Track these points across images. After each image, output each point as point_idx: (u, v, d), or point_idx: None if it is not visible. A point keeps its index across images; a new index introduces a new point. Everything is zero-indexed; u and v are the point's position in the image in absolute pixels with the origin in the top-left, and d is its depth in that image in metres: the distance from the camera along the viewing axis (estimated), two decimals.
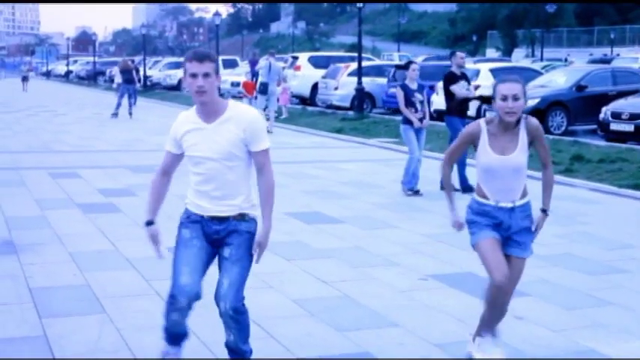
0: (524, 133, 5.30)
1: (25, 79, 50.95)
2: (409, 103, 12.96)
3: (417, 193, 12.64)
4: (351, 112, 28.94)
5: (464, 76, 13.24)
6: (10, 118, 28.58)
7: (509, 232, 5.32)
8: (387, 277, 7.84)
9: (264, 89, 24.09)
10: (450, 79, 13.15)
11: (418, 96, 13.00)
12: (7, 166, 15.52)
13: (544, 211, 5.48)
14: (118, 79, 32.99)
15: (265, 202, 5.02)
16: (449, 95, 13.18)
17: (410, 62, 13.87)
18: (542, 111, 22.37)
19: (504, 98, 5.17)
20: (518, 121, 5.28)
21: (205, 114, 4.85)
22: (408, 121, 12.97)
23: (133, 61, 34.72)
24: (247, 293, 5.15)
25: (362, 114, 27.92)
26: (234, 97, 30.12)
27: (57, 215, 10.66)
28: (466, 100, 13.24)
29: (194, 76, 4.72)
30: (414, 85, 13.07)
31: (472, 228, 5.37)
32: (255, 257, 4.98)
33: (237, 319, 4.94)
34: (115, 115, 28.97)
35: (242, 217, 4.95)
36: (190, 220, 4.99)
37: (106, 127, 25.10)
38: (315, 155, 18.21)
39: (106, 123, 26.92)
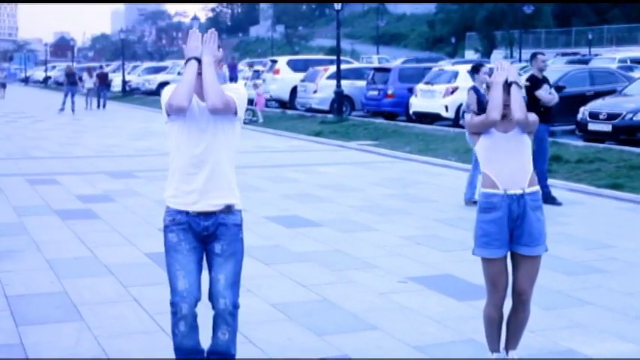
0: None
1: (2, 85, 50.57)
2: (481, 109, 12.00)
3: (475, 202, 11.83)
4: (330, 116, 28.94)
5: (545, 80, 12.16)
6: None
7: (519, 224, 5.12)
8: (367, 279, 7.83)
9: None
10: (534, 83, 11.80)
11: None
12: None
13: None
14: (89, 83, 38.73)
15: None
16: (532, 101, 11.57)
17: (480, 64, 12.52)
18: None
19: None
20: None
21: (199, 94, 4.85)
22: None
23: (101, 67, 43.19)
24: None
25: (341, 117, 27.91)
26: None
27: (34, 222, 10.58)
28: (549, 107, 12.13)
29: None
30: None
31: (478, 234, 5.19)
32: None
33: (235, 315, 4.91)
34: (62, 109, 35.05)
35: (229, 209, 4.89)
36: (175, 221, 4.87)
37: (85, 133, 24.97)
38: (294, 159, 18.18)
39: (85, 129, 26.79)
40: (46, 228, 10.24)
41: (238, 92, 4.90)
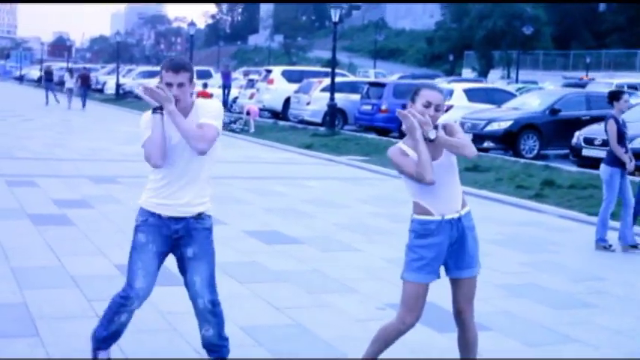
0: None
1: None
2: (621, 140, 10.53)
3: (608, 247, 10.47)
4: (322, 128, 28.62)
5: (625, 126, 10.76)
6: None
7: (457, 247, 5.01)
8: (343, 304, 7.46)
9: None
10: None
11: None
12: None
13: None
14: (69, 84, 41.55)
15: None
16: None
17: (620, 92, 10.95)
18: (515, 134, 22.17)
19: (428, 105, 4.89)
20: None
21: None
22: (616, 162, 10.44)
23: (85, 68, 49.82)
24: (191, 319, 5.33)
25: (333, 130, 27.60)
26: None
27: (5, 226, 10.20)
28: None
29: (169, 85, 4.89)
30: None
31: (411, 258, 5.04)
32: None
33: (215, 311, 5.16)
34: (47, 103, 41.16)
35: (199, 216, 5.11)
36: (147, 223, 5.07)
37: (72, 135, 24.61)
38: (281, 171, 17.82)
39: (73, 130, 26.43)
40: (15, 233, 9.85)
41: (215, 113, 5.04)
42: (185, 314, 5.59)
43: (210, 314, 5.16)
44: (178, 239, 5.08)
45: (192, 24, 46.05)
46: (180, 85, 4.90)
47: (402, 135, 5.09)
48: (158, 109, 4.89)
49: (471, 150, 4.90)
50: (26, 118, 30.80)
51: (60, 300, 7.15)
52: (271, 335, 6.45)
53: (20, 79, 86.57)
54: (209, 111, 5.01)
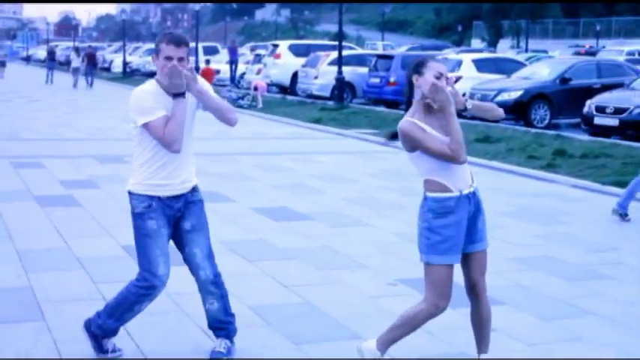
0: None
1: (2, 64, 49.98)
2: None
3: (624, 216, 10.22)
4: (330, 102, 28.42)
5: None
6: None
7: (473, 222, 4.89)
8: (354, 280, 7.33)
9: None
10: None
11: None
12: None
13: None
14: (76, 63, 41.02)
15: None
16: None
17: None
18: (525, 103, 21.93)
19: (439, 76, 4.74)
20: None
21: (167, 93, 4.90)
22: None
23: (90, 47, 50.95)
24: (197, 298, 5.36)
25: (342, 104, 27.40)
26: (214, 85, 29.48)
27: (11, 208, 10.10)
28: None
29: (169, 58, 4.83)
30: None
31: (435, 240, 4.81)
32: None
33: (217, 282, 5.17)
34: (48, 82, 42.64)
35: (193, 189, 5.16)
36: (152, 208, 5.00)
37: (78, 114, 24.51)
38: (290, 146, 17.68)
39: (79, 110, 26.32)
40: (22, 215, 9.75)
41: (208, 86, 5.08)
42: (193, 294, 5.46)
43: (213, 285, 5.15)
44: (179, 216, 5.08)
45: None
46: (181, 59, 4.84)
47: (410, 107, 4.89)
48: (180, 94, 4.83)
49: (500, 111, 4.98)
50: (32, 99, 30.71)
51: (66, 283, 7.05)
52: (280, 314, 6.32)
53: (27, 59, 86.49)
54: (204, 83, 5.04)
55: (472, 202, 4.86)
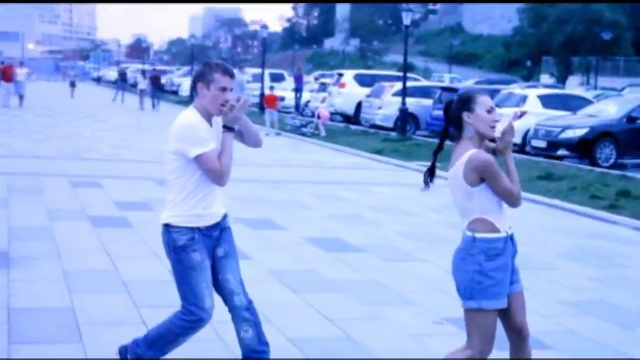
0: None
1: (72, 84, 50.84)
2: None
3: None
4: (393, 133, 28.27)
5: None
6: (50, 122, 28.39)
7: (513, 262, 4.73)
8: (399, 317, 7.15)
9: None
10: None
11: None
12: (30, 171, 15.10)
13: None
14: (142, 85, 42.40)
15: None
16: None
17: None
18: (590, 141, 21.50)
19: (490, 110, 4.62)
20: None
21: (209, 122, 4.96)
22: None
23: (155, 70, 52.76)
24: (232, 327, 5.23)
25: (404, 135, 27.24)
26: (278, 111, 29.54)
27: (63, 227, 10.14)
28: None
29: (224, 89, 4.87)
30: None
31: (488, 284, 4.57)
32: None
33: (252, 309, 5.09)
34: (114, 100, 46.23)
35: (225, 216, 5.14)
36: (195, 240, 4.96)
37: (142, 136, 24.73)
38: (350, 176, 17.55)
39: (143, 131, 26.57)
40: (73, 235, 9.77)
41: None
42: (228, 322, 5.34)
43: (248, 312, 5.07)
44: (214, 245, 5.07)
45: (264, 27, 46.22)
46: (231, 90, 4.92)
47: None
48: (230, 128, 4.92)
49: None
50: (98, 119, 31.11)
51: (108, 305, 7.00)
52: (319, 348, 6.18)
53: (98, 80, 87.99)
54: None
55: (513, 243, 4.70)
